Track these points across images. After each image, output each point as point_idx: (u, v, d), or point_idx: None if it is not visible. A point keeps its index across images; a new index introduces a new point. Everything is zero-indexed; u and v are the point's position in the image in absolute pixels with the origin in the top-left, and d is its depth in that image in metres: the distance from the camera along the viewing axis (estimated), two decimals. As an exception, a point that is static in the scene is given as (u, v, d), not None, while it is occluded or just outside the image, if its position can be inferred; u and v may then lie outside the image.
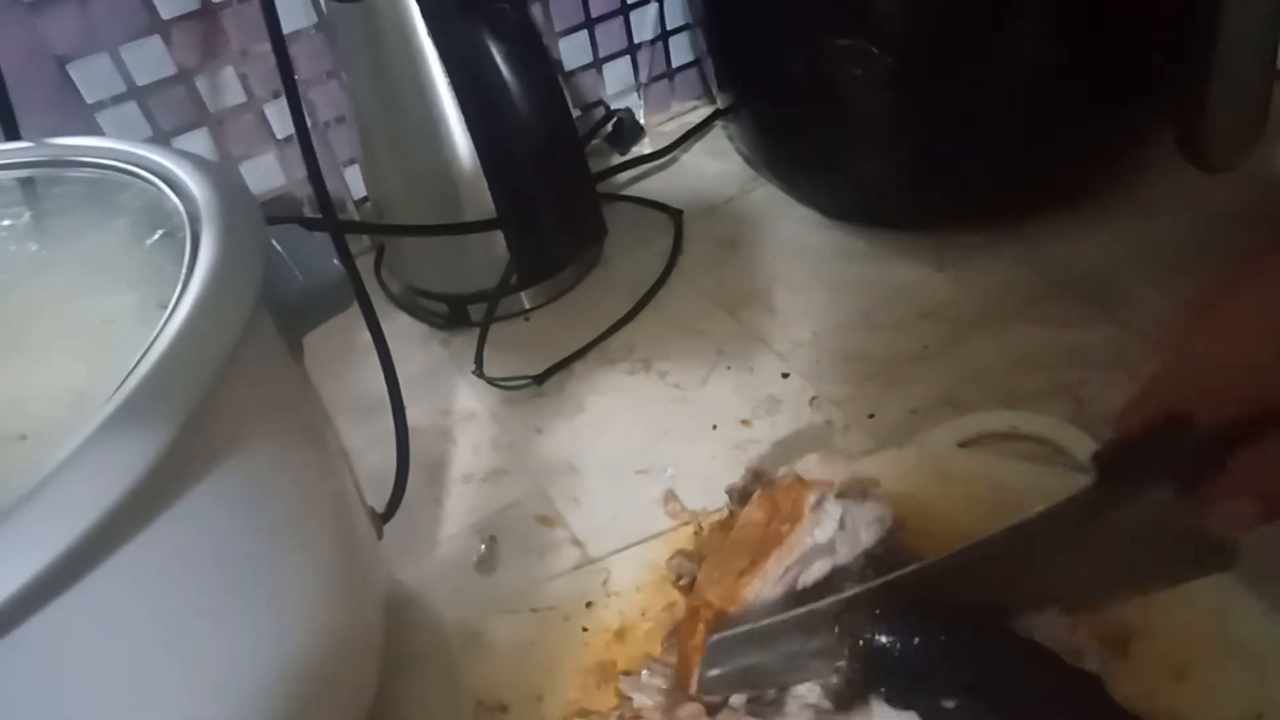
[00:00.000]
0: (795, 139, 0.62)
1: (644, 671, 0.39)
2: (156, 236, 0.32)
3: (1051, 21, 0.51)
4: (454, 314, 0.61)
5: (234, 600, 0.29)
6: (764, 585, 0.39)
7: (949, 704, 0.33)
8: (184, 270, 0.28)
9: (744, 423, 0.51)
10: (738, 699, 0.38)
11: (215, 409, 0.26)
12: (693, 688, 0.38)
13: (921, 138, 0.56)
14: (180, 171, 0.33)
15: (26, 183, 0.36)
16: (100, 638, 0.25)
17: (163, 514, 0.25)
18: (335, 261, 0.35)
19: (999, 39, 0.51)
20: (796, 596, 0.39)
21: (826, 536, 0.40)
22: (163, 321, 0.26)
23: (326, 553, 0.35)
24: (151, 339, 0.26)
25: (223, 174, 0.33)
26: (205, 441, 0.26)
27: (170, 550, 0.26)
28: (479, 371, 0.56)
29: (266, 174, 0.65)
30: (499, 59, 0.49)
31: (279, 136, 0.64)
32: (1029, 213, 0.60)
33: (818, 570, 0.40)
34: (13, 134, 0.44)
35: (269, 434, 0.30)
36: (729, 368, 0.55)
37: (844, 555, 0.40)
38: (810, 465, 0.42)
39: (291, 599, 0.32)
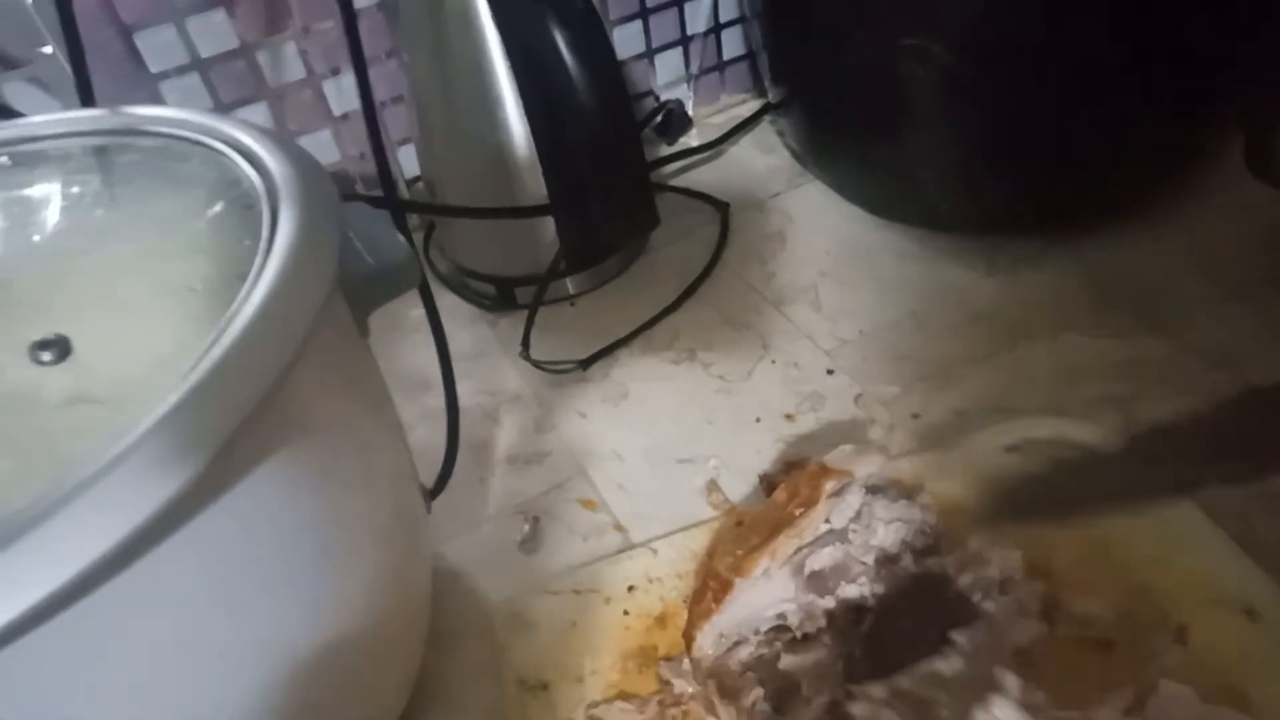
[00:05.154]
0: (848, 136, 0.62)
1: (685, 658, 0.40)
2: (231, 208, 0.32)
3: (1118, 29, 0.50)
4: (501, 296, 0.62)
5: (296, 569, 0.30)
6: (772, 562, 0.40)
7: None
8: (263, 243, 0.29)
9: (788, 417, 0.51)
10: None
11: (293, 382, 0.26)
12: (694, 651, 0.39)
13: (979, 141, 0.55)
14: (256, 146, 0.33)
15: (102, 150, 0.36)
16: (171, 602, 0.25)
17: (239, 483, 0.26)
18: (402, 240, 0.35)
19: (1063, 44, 0.51)
20: (805, 579, 0.40)
21: (840, 524, 0.41)
22: (244, 292, 0.27)
23: (383, 526, 0.35)
24: (234, 309, 0.26)
25: (298, 150, 0.33)
26: (282, 414, 0.27)
27: (242, 520, 0.26)
28: (526, 354, 0.57)
29: (321, 150, 0.66)
30: (561, 45, 0.49)
31: (336, 114, 0.65)
32: (1084, 221, 0.59)
33: (828, 556, 0.41)
34: (89, 102, 0.45)
35: (338, 409, 0.31)
36: (774, 362, 0.55)
37: (858, 547, 0.41)
38: (839, 455, 0.43)
39: (349, 570, 0.33)
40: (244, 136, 0.34)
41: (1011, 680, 0.34)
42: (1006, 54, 0.52)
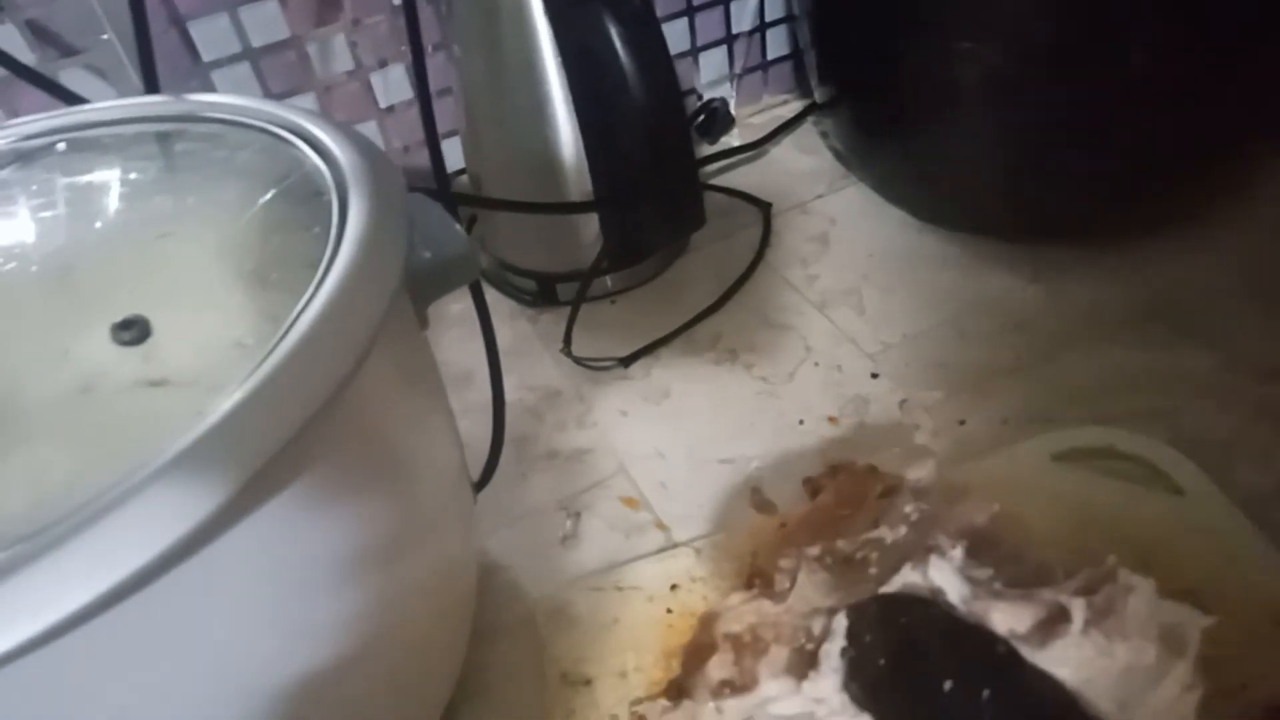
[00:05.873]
0: (896, 138, 0.62)
1: (729, 658, 0.40)
2: (298, 195, 0.32)
3: (1171, 39, 0.50)
4: (542, 292, 0.62)
5: (356, 560, 0.30)
6: (816, 562, 0.39)
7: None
8: (333, 231, 0.29)
9: (831, 420, 0.51)
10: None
11: (363, 373, 0.26)
12: None
13: (1028, 147, 0.55)
14: (322, 134, 0.34)
15: (168, 136, 0.37)
16: (229, 596, 0.25)
17: (306, 474, 0.25)
18: (461, 231, 0.35)
19: (1115, 53, 0.50)
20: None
21: (889, 527, 0.40)
22: (317, 280, 0.27)
23: (438, 517, 0.35)
24: (307, 297, 0.26)
25: (364, 139, 0.34)
26: (351, 405, 0.27)
27: (306, 511, 0.26)
28: (567, 350, 0.57)
29: (366, 141, 0.66)
30: (616, 43, 0.49)
31: (381, 106, 0.65)
32: (1130, 231, 0.59)
33: (873, 558, 0.40)
34: (153, 88, 0.45)
35: (402, 400, 0.31)
36: (817, 364, 0.55)
37: (904, 549, 0.40)
38: (889, 458, 0.43)
39: (404, 561, 0.33)
40: (309, 124, 0.34)
41: (956, 550, 0.33)
42: (1058, 61, 0.51)
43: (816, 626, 0.32)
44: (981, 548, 0.34)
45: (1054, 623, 0.31)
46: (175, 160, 0.36)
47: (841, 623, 0.32)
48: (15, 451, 0.27)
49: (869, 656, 0.31)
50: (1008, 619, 0.31)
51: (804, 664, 0.32)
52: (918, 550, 0.33)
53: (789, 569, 0.35)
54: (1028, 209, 0.59)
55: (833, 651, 0.31)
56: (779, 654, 0.32)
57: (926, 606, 0.32)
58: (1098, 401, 0.50)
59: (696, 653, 0.34)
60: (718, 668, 0.33)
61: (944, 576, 0.32)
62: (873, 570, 0.35)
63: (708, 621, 0.35)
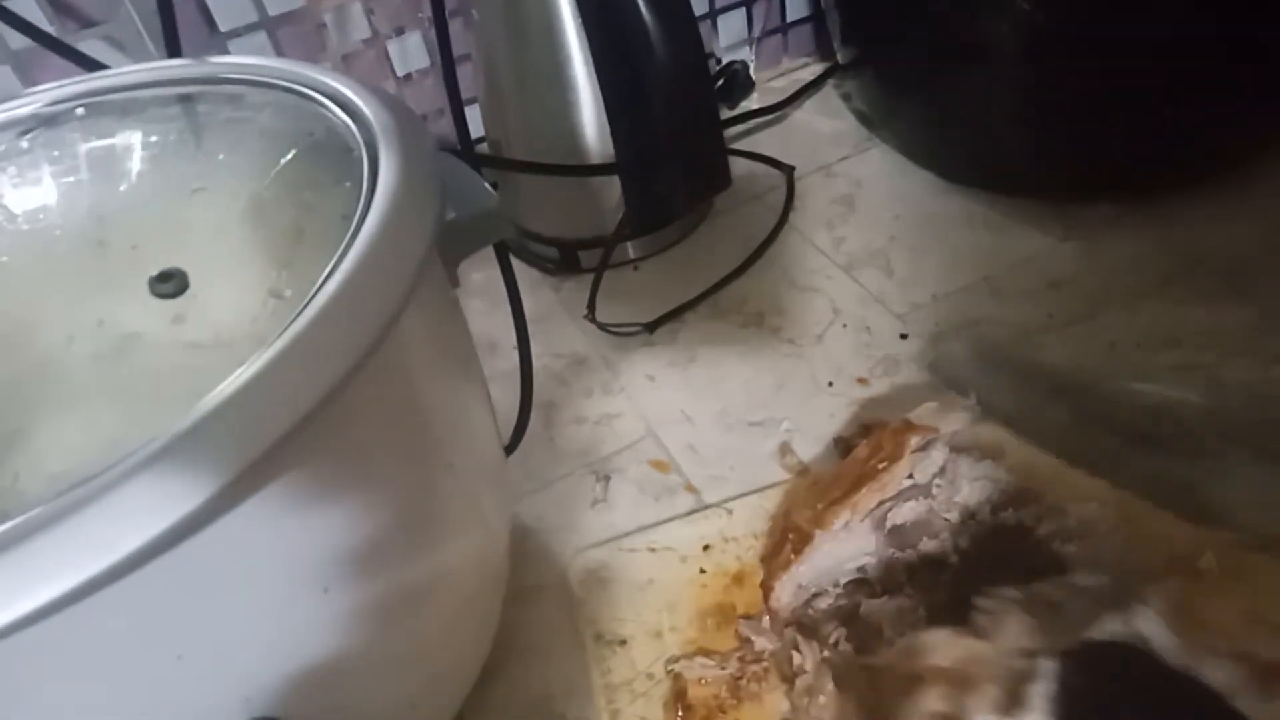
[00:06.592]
0: (922, 97, 0.61)
1: (765, 616, 0.40)
2: (328, 153, 0.32)
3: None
4: (565, 259, 0.61)
5: (395, 520, 0.30)
6: (852, 516, 0.39)
7: None
8: (365, 185, 0.29)
9: (861, 381, 0.51)
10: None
11: (400, 326, 0.26)
12: (771, 601, 0.39)
13: (1059, 102, 0.54)
14: (349, 92, 0.33)
15: (197, 97, 0.36)
16: (265, 554, 0.25)
17: (344, 431, 0.25)
18: (490, 188, 0.35)
19: (1151, 5, 0.49)
20: (886, 533, 0.40)
21: (924, 479, 0.40)
22: (351, 232, 0.27)
23: (470, 477, 0.35)
24: (342, 249, 0.26)
25: (391, 97, 0.33)
26: (387, 355, 0.26)
27: (344, 469, 0.26)
28: (591, 316, 0.56)
29: (384, 111, 0.66)
30: (638, 1, 0.49)
31: (399, 74, 0.65)
32: (1163, 187, 0.57)
33: (909, 511, 0.40)
34: (175, 52, 0.45)
35: (436, 357, 0.31)
36: (845, 326, 0.54)
37: (941, 503, 0.40)
38: (924, 412, 0.42)
39: (439, 521, 0.33)
40: (335, 83, 0.34)
41: (1158, 600, 0.32)
42: (1088, 12, 0.50)
43: (1019, 667, 0.32)
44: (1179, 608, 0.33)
45: (1274, 678, 0.30)
46: (202, 120, 0.36)
47: (1050, 666, 0.31)
48: (59, 411, 0.27)
49: (1081, 703, 0.31)
50: (1223, 673, 0.30)
51: (1010, 703, 0.31)
52: (1119, 597, 0.33)
53: (990, 608, 0.35)
54: (1058, 166, 0.58)
55: (1042, 693, 0.30)
56: (988, 691, 0.32)
57: (1140, 655, 0.31)
58: (1135, 358, 0.49)
59: (898, 684, 0.34)
60: (931, 699, 0.33)
61: (1152, 627, 0.31)
62: (1072, 615, 0.34)
63: (910, 654, 0.34)
